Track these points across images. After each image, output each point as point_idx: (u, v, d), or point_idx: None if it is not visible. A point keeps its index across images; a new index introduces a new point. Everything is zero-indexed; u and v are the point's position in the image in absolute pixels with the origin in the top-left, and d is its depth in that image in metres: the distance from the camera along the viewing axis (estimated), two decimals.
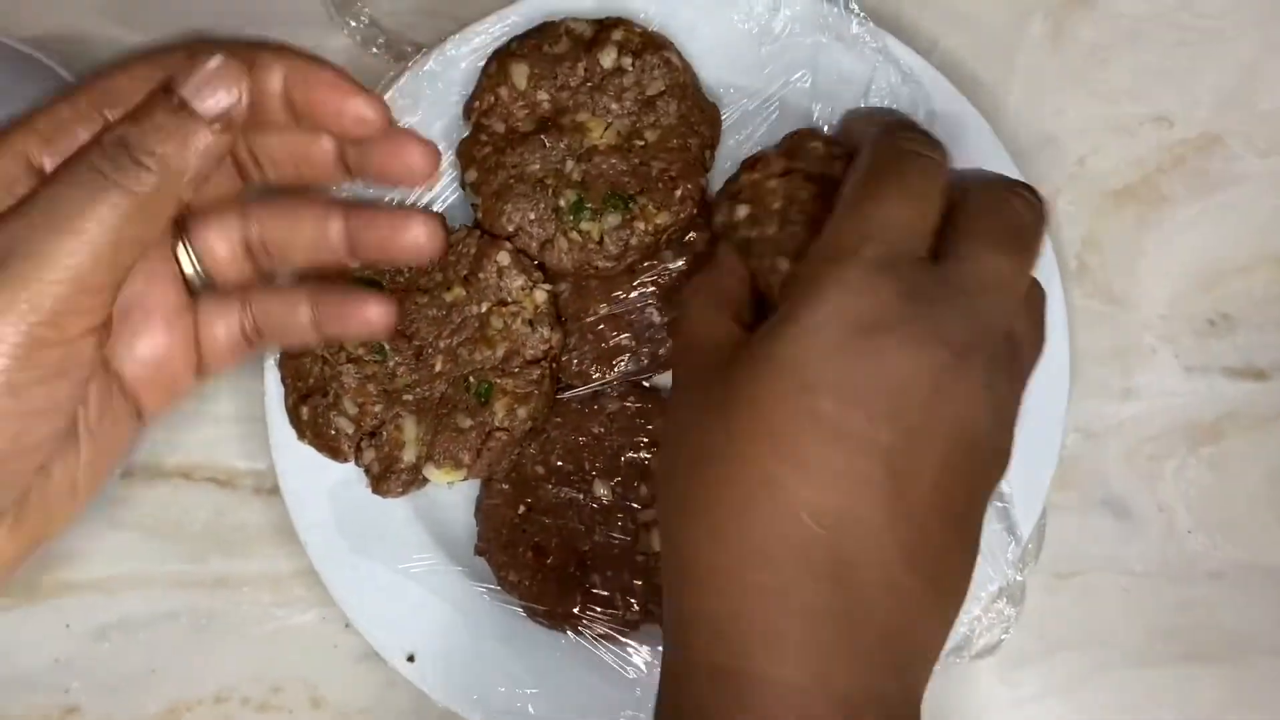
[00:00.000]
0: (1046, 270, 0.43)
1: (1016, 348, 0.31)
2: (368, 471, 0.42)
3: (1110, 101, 0.48)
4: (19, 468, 0.27)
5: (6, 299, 0.25)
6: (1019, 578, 0.42)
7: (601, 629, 0.42)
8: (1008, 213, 0.31)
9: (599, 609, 0.42)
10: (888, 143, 0.32)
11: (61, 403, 0.27)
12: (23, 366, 0.26)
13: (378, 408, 0.42)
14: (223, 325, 0.33)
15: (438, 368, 0.42)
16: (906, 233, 0.30)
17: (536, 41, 0.44)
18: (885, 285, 0.28)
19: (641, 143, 0.44)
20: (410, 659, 0.42)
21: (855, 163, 0.32)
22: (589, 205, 0.43)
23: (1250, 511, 0.45)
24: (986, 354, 0.29)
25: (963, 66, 0.47)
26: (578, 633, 0.42)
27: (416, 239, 0.33)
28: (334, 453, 0.42)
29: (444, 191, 0.45)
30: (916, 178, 0.30)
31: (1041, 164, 0.47)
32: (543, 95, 0.44)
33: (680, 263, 0.44)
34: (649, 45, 0.44)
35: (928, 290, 0.29)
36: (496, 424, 0.42)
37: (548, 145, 0.43)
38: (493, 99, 0.44)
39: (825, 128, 0.44)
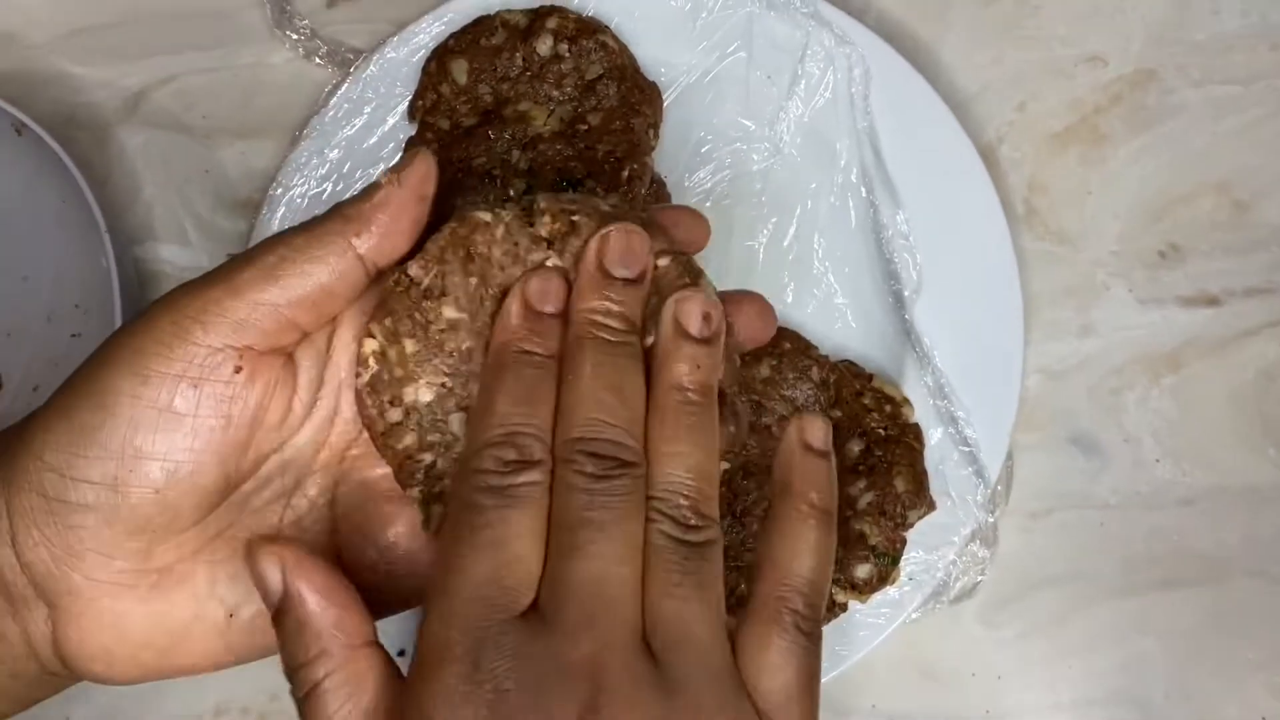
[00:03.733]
0: (994, 216, 0.44)
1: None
2: None
3: (1044, 47, 0.48)
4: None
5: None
6: (990, 519, 0.43)
7: None
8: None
9: None
10: (460, 490, 0.25)
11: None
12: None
13: None
14: None
15: None
16: (490, 598, 0.24)
17: (473, 36, 0.45)
18: (478, 698, 0.23)
19: (585, 127, 0.44)
20: (401, 653, 0.43)
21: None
22: (538, 192, 0.43)
23: (1215, 436, 0.46)
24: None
25: (897, 25, 0.48)
26: None
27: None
28: None
29: None
30: (491, 526, 0.24)
31: (981, 113, 0.48)
32: (484, 88, 0.45)
33: None
34: (584, 30, 0.45)
35: (524, 679, 0.23)
36: None
37: (492, 137, 0.44)
38: (435, 97, 0.45)
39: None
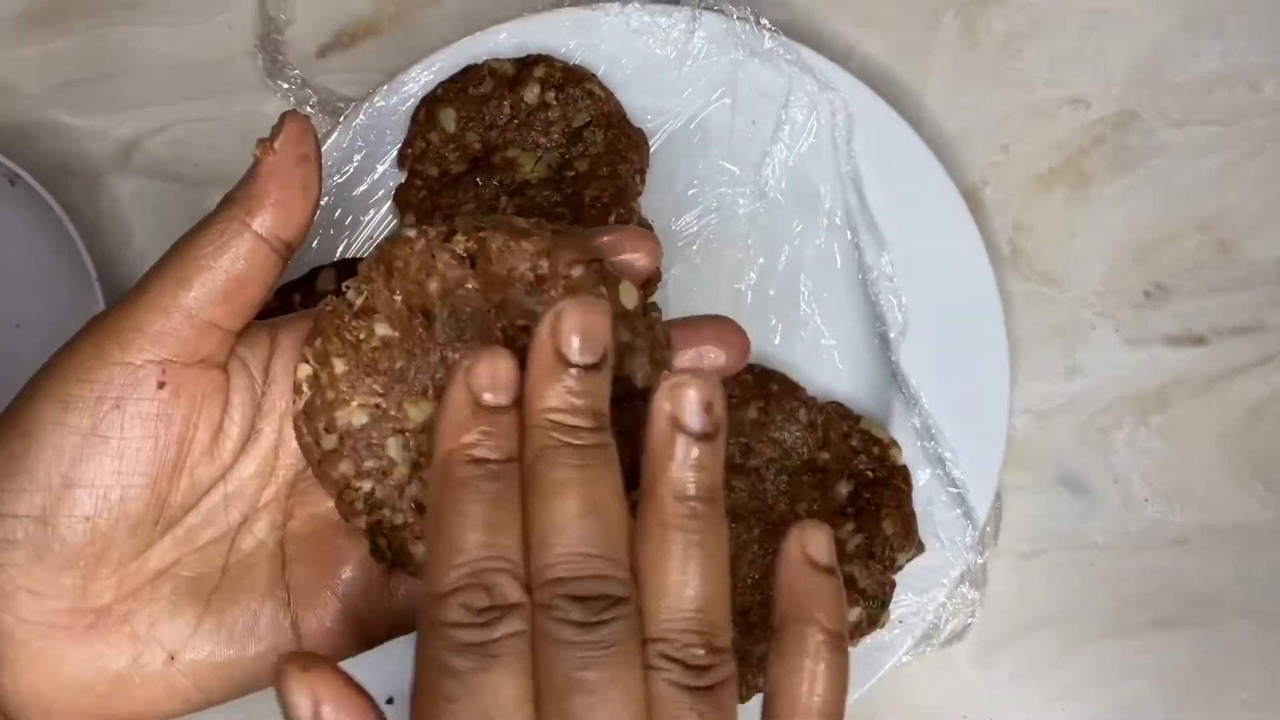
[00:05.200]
0: (979, 257, 0.44)
1: None
2: None
3: (1027, 89, 0.49)
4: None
5: None
6: (979, 561, 0.43)
7: None
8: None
9: None
10: (427, 649, 0.23)
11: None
12: None
13: None
14: None
15: None
16: None
17: (461, 85, 0.45)
18: None
19: (572, 173, 0.45)
20: (390, 701, 0.43)
21: None
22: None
23: (1204, 475, 0.46)
24: None
25: (880, 70, 0.49)
26: None
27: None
28: None
29: (383, 237, 0.46)
30: (475, 696, 0.22)
31: (965, 155, 0.48)
32: (472, 136, 0.45)
33: None
34: (571, 79, 0.45)
35: None
36: None
37: (481, 184, 0.44)
38: (424, 145, 0.45)
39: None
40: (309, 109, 0.49)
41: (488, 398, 0.23)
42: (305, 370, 0.27)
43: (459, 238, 0.27)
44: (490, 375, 0.23)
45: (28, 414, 0.25)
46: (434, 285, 0.27)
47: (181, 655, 0.26)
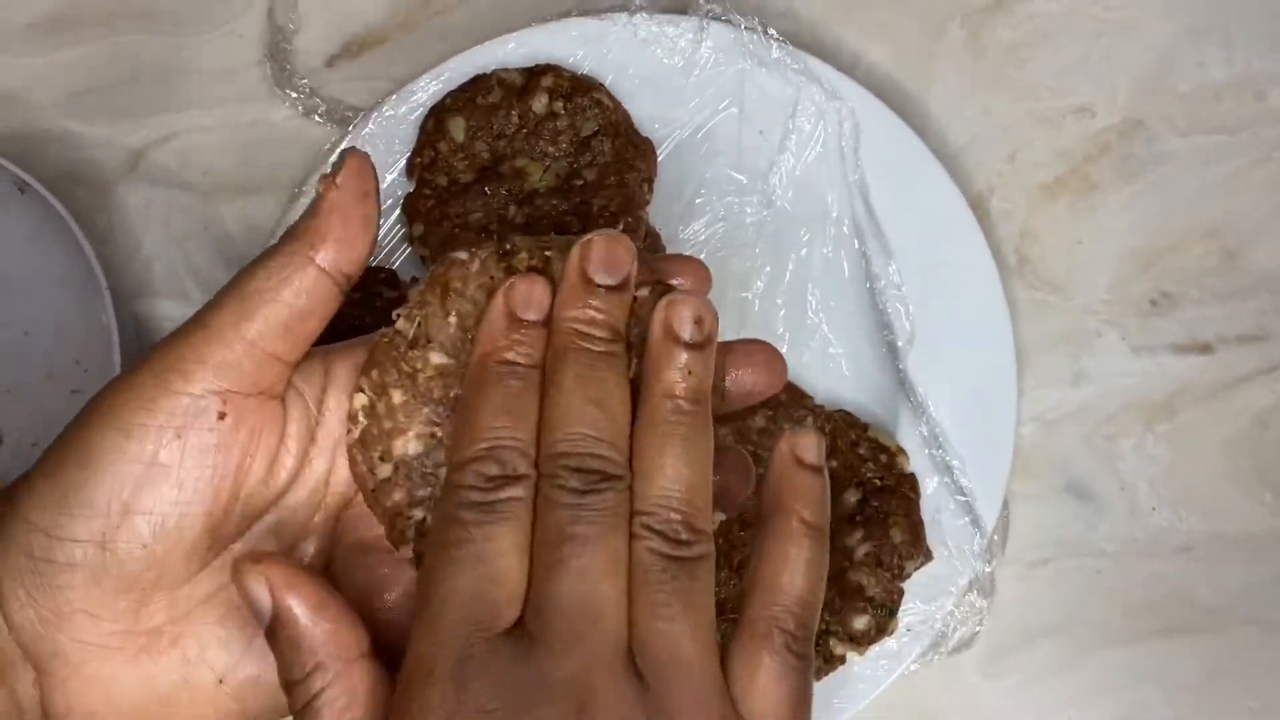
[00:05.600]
0: (985, 266, 0.44)
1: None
2: None
3: (1033, 98, 0.49)
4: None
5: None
6: (987, 569, 0.43)
7: None
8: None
9: None
10: (442, 507, 0.25)
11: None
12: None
13: None
14: None
15: None
16: (474, 616, 0.24)
17: (470, 94, 0.45)
18: (463, 718, 0.23)
19: (581, 182, 0.45)
20: None
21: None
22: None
23: (1210, 483, 0.46)
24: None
25: (886, 79, 0.49)
26: None
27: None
28: None
29: (393, 245, 0.46)
30: (474, 542, 0.24)
31: (971, 164, 0.48)
32: (481, 145, 0.45)
33: None
34: (579, 88, 0.45)
35: (515, 693, 0.23)
36: None
37: (489, 193, 0.45)
38: (433, 154, 0.45)
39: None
40: (317, 118, 0.49)
41: (521, 311, 0.26)
42: (361, 400, 0.27)
43: (522, 256, 0.27)
44: (526, 293, 0.26)
45: (88, 441, 0.26)
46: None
47: (230, 678, 0.27)
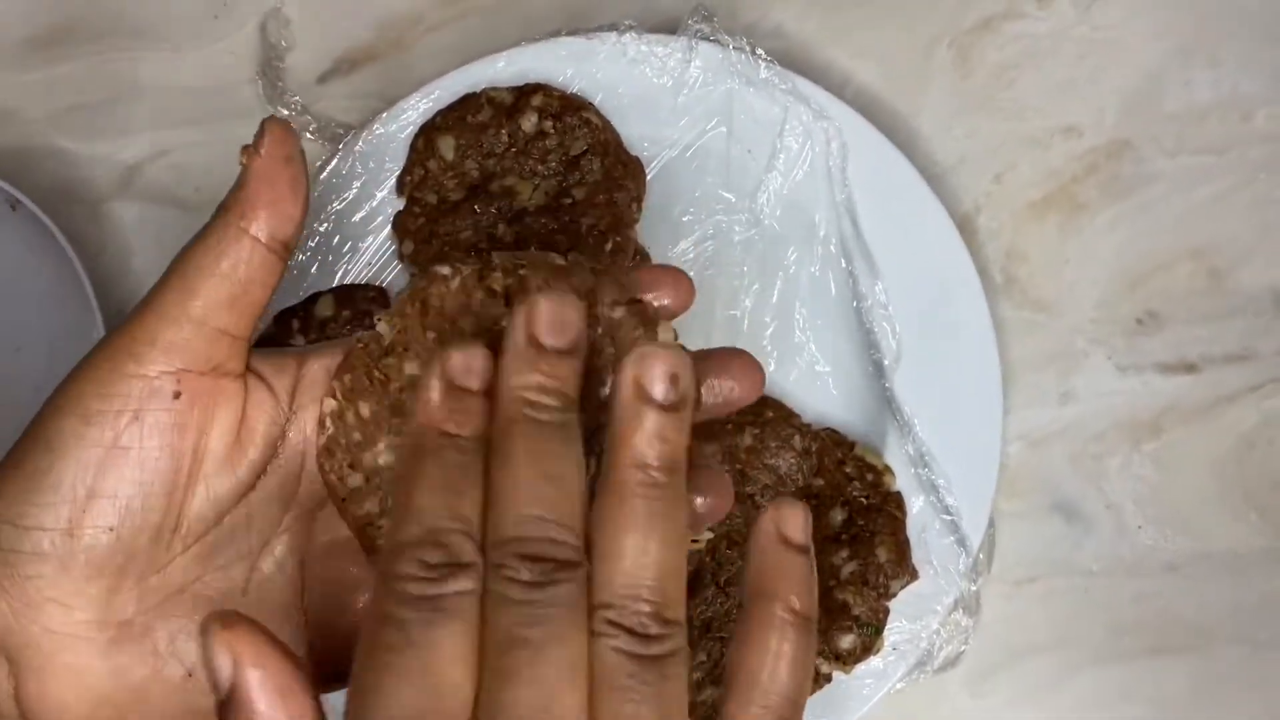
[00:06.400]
0: (972, 285, 0.45)
1: None
2: None
3: (1020, 118, 0.49)
4: None
5: None
6: (973, 588, 0.43)
7: None
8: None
9: None
10: (377, 601, 0.22)
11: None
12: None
13: None
14: None
15: None
16: None
17: (460, 113, 0.46)
18: None
19: (570, 201, 0.45)
20: None
21: None
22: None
23: (1197, 502, 0.46)
24: None
25: (874, 99, 0.49)
26: None
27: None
28: None
29: (383, 263, 0.47)
30: (416, 647, 0.21)
31: (959, 184, 0.48)
32: (470, 164, 0.46)
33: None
34: (568, 107, 0.46)
35: None
36: None
37: (479, 211, 0.45)
38: (423, 172, 0.46)
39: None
40: (309, 135, 0.49)
41: (461, 380, 0.24)
42: (331, 405, 0.27)
43: (496, 275, 0.27)
44: (465, 363, 0.24)
45: (50, 430, 0.26)
46: (468, 325, 0.27)
47: (199, 671, 0.27)
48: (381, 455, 0.27)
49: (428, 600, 0.21)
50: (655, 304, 0.27)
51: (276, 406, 0.28)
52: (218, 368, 0.27)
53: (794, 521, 0.25)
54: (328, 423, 0.27)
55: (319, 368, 0.28)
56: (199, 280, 0.26)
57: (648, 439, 0.23)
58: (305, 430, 0.28)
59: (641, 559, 0.22)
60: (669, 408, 0.23)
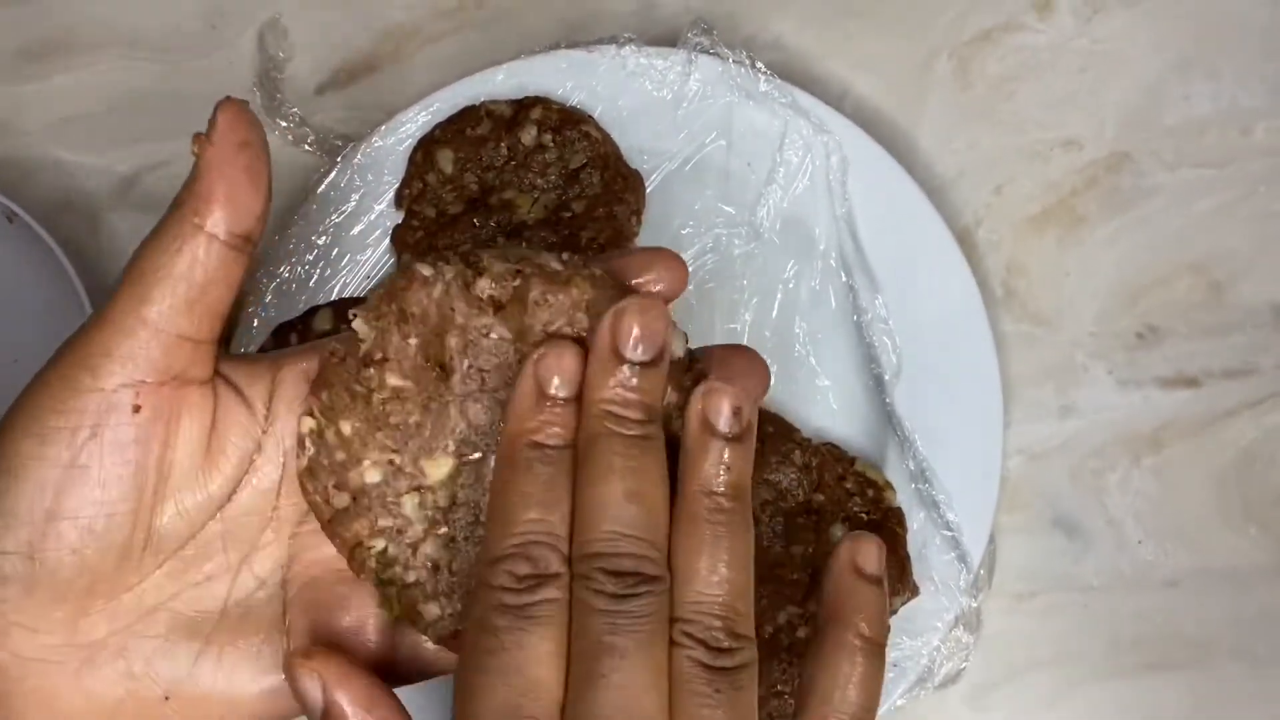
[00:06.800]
0: (972, 299, 0.45)
1: None
2: None
3: (1020, 131, 0.49)
4: None
5: None
6: (974, 604, 0.43)
7: None
8: None
9: None
10: (475, 609, 0.24)
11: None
12: None
13: None
14: None
15: None
16: None
17: (459, 126, 0.46)
18: None
19: (569, 214, 0.45)
20: None
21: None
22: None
23: (1197, 517, 0.46)
24: None
25: (874, 112, 0.49)
26: None
27: None
28: None
29: (383, 277, 0.46)
30: (508, 650, 0.24)
31: (958, 197, 0.48)
32: (469, 177, 0.45)
33: None
34: (568, 120, 0.45)
35: None
36: None
37: (478, 225, 0.45)
38: (421, 185, 0.46)
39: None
40: (307, 147, 0.49)
41: (549, 388, 0.25)
42: (309, 424, 0.26)
43: (483, 283, 0.25)
44: (556, 367, 0.25)
45: (6, 451, 0.25)
46: (454, 340, 0.25)
47: (178, 693, 0.26)
48: (368, 473, 0.26)
49: (518, 609, 0.23)
50: (653, 289, 0.27)
51: (250, 415, 0.26)
52: (180, 376, 0.25)
53: (868, 554, 0.26)
54: (307, 443, 0.26)
55: (295, 373, 0.27)
56: (153, 284, 0.25)
57: (715, 468, 0.25)
58: (284, 441, 0.27)
59: (712, 578, 0.24)
60: (733, 439, 0.25)
